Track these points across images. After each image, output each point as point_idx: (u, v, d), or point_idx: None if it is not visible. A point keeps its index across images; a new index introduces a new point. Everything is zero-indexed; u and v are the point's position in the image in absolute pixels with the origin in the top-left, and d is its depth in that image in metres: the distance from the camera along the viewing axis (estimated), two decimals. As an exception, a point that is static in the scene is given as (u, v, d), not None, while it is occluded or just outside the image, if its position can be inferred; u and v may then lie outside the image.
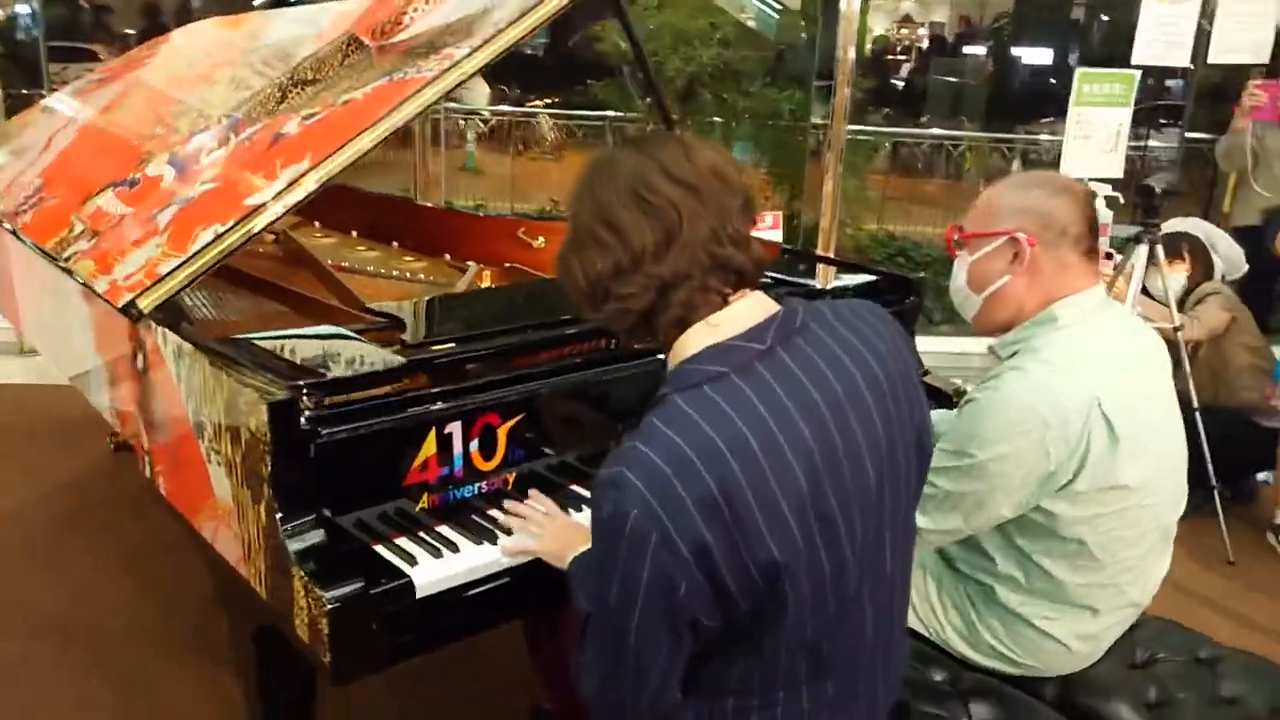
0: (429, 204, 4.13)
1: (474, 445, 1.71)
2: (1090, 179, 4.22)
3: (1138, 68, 4.26)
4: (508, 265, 2.63)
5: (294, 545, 1.49)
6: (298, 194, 1.85)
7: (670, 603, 1.15)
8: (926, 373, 2.38)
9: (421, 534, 1.64)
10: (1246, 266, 3.87)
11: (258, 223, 1.83)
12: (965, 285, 1.78)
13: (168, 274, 1.81)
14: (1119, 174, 4.26)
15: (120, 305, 1.81)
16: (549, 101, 11.90)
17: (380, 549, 1.59)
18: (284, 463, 1.50)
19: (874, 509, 1.24)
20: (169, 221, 2.00)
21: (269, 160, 2.00)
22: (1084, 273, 1.71)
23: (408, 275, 2.67)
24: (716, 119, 7.75)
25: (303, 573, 1.46)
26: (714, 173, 1.20)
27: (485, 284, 2.58)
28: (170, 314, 1.82)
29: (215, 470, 1.66)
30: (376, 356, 1.73)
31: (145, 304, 1.80)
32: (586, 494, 1.79)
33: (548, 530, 1.61)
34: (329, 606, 1.41)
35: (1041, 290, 1.70)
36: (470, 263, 2.68)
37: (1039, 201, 1.70)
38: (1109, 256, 3.50)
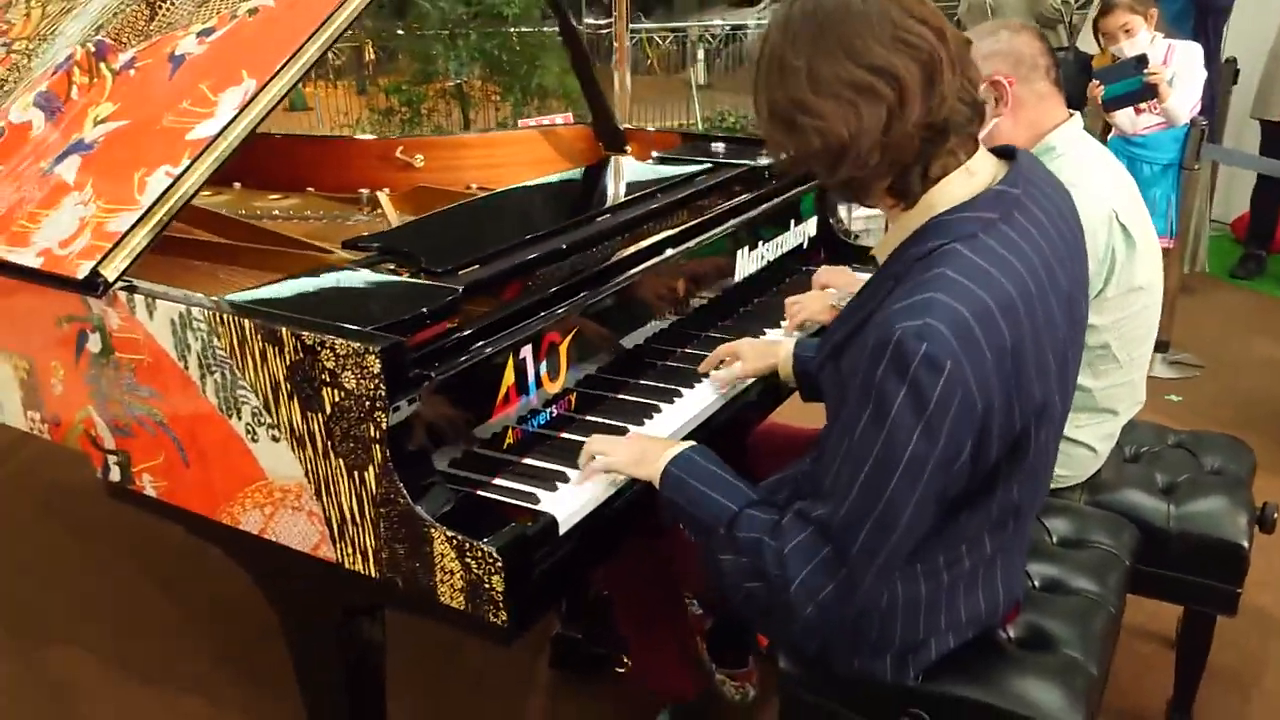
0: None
1: (543, 367, 1.57)
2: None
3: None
4: (415, 188, 2.39)
5: (425, 506, 1.31)
6: (252, 118, 1.57)
7: (955, 466, 1.13)
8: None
9: (520, 471, 1.50)
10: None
11: (215, 157, 1.55)
12: None
13: (128, 231, 1.50)
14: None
15: (82, 277, 1.47)
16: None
17: (490, 495, 1.44)
18: (399, 416, 1.30)
19: (1077, 348, 1.28)
20: (78, 173, 1.64)
21: (187, 86, 1.69)
22: (1058, 102, 1.83)
23: (291, 214, 2.36)
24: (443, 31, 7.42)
25: (450, 533, 1.29)
26: (938, 13, 1.14)
27: (396, 212, 2.33)
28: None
29: (267, 448, 1.42)
30: (426, 290, 1.52)
31: (110, 271, 1.48)
32: (641, 401, 1.71)
33: (614, 447, 1.47)
34: (499, 560, 1.26)
35: (1028, 123, 1.81)
36: (365, 191, 2.41)
37: (1005, 43, 1.80)
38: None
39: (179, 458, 1.54)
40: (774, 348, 1.75)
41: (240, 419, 1.44)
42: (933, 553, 1.30)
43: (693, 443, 1.44)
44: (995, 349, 1.09)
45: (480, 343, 1.45)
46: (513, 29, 7.58)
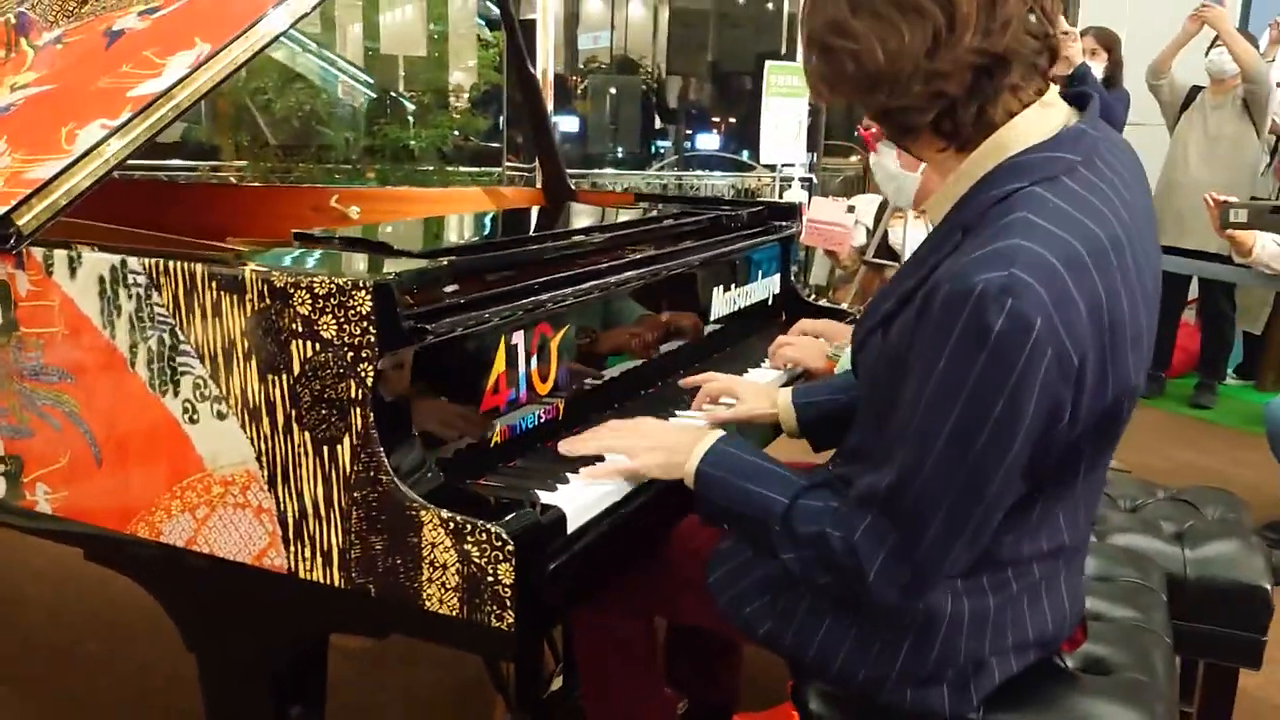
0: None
1: (534, 362, 1.38)
2: (783, 164, 4.59)
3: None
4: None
5: (416, 487, 1.08)
6: (209, 77, 1.39)
7: (1050, 433, 0.99)
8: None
9: (510, 473, 1.28)
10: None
11: (162, 114, 1.35)
12: (899, 169, 1.79)
13: (52, 179, 1.27)
14: (804, 159, 4.65)
15: (-12, 223, 1.22)
16: None
17: (479, 490, 1.21)
18: (386, 374, 1.08)
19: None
20: (-11, 132, 1.41)
21: (128, 54, 1.50)
22: None
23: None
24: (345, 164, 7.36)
25: (447, 514, 1.06)
26: None
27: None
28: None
29: (210, 428, 1.17)
30: (409, 261, 1.31)
31: (26, 221, 1.24)
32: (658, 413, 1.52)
33: (631, 440, 1.29)
34: (509, 543, 1.03)
35: None
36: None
37: None
38: (850, 209, 3.77)
39: (90, 455, 1.26)
40: (772, 392, 1.57)
41: (177, 395, 1.18)
42: (1001, 558, 1.14)
43: (720, 432, 1.26)
44: (1089, 301, 0.96)
45: (475, 313, 1.24)
46: (420, 166, 7.59)
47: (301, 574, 1.15)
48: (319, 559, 1.14)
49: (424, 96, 8.17)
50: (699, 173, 9.08)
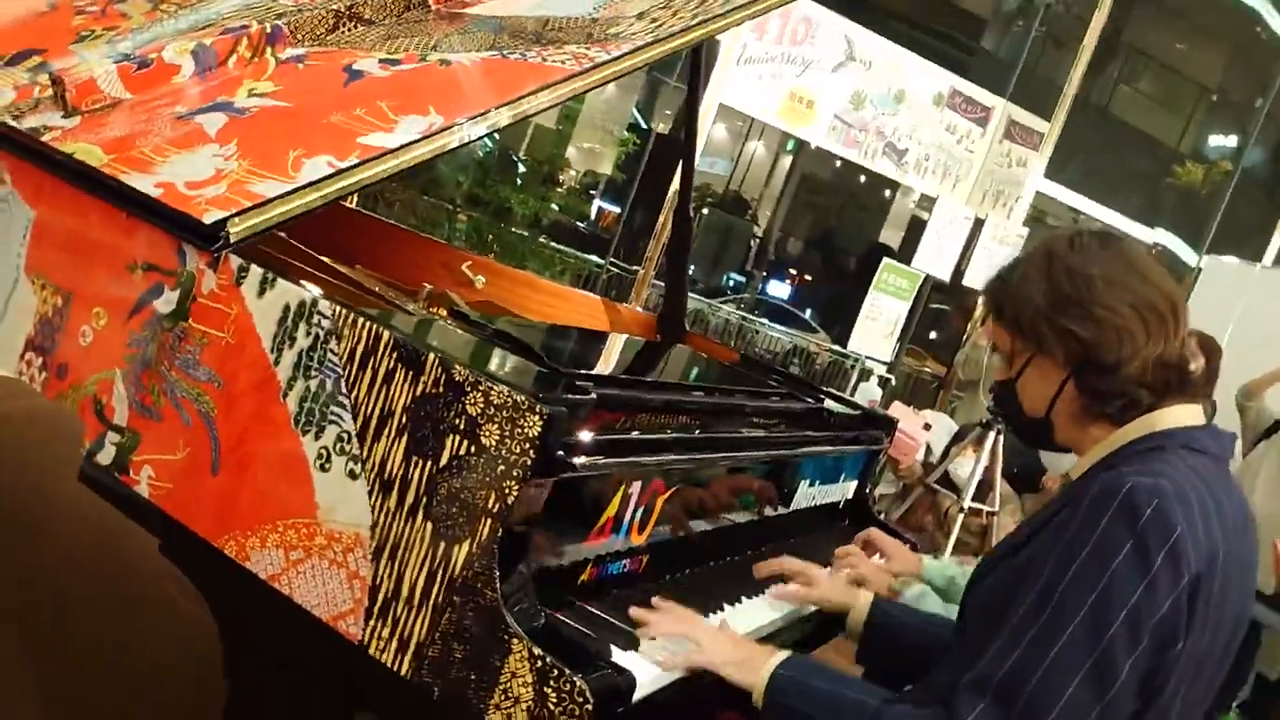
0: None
1: (639, 514, 1.39)
2: (867, 357, 4.63)
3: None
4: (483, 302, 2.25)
5: (516, 614, 1.09)
6: (435, 145, 1.47)
7: (1160, 659, 1.05)
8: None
9: (591, 617, 1.29)
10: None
11: (386, 167, 1.42)
12: None
13: (270, 200, 1.32)
14: (889, 357, 4.70)
15: (208, 222, 1.27)
16: None
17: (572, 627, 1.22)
18: (526, 497, 1.11)
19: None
20: (223, 129, 1.47)
21: (363, 98, 1.58)
22: None
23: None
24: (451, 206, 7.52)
25: (539, 651, 1.06)
26: None
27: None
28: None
29: (336, 481, 1.19)
30: (564, 381, 1.35)
31: (237, 230, 1.29)
32: (702, 594, 1.52)
33: (709, 640, 1.28)
34: (589, 702, 1.04)
35: None
36: (428, 286, 2.26)
37: None
38: (927, 427, 3.79)
39: (208, 460, 1.28)
40: (853, 589, 1.58)
41: (318, 439, 1.21)
42: None
43: (789, 652, 1.26)
44: (1209, 549, 1.07)
45: (614, 456, 1.27)
46: (513, 228, 7.74)
47: (373, 650, 1.15)
48: (394, 643, 1.14)
49: (540, 166, 8.41)
50: (763, 320, 9.22)
